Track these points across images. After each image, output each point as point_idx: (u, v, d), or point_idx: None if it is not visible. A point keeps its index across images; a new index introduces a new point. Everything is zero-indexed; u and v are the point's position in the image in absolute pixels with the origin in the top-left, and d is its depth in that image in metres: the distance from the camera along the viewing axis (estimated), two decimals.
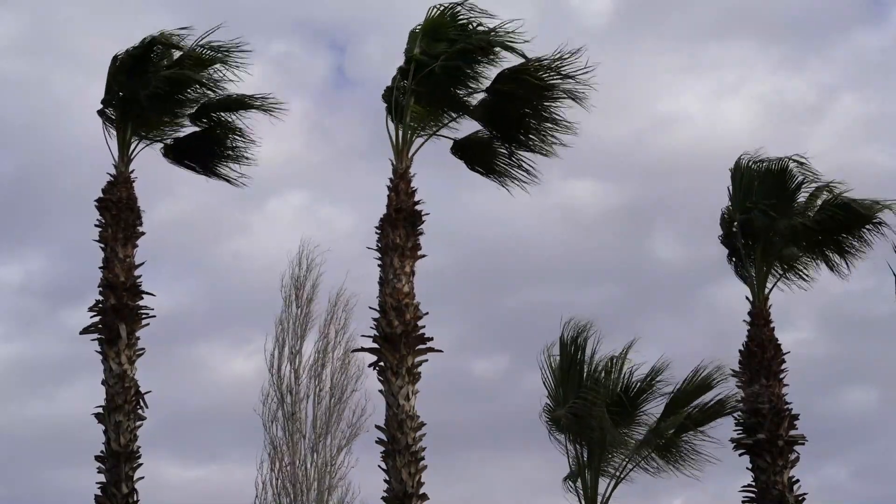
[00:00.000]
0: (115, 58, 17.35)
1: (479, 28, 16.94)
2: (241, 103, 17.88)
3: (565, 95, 16.98)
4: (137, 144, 17.70)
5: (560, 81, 16.87)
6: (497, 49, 16.87)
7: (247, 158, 18.45)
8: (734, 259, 18.49)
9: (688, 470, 17.61)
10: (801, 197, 18.41)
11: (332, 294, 28.69)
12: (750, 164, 18.33)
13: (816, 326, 34.75)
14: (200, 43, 17.28)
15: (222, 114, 18.15)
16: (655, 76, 42.68)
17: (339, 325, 28.60)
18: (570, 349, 17.32)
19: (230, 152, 18.43)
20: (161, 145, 18.30)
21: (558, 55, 16.55)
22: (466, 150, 18.08)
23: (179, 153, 18.47)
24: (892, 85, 43.48)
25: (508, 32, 16.70)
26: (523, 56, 16.73)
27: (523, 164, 17.95)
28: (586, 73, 16.55)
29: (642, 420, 17.64)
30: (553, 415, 16.99)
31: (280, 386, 28.00)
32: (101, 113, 17.56)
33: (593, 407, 16.63)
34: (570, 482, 17.33)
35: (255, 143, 18.23)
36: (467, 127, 17.85)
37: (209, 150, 18.48)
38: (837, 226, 18.14)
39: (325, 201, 43.41)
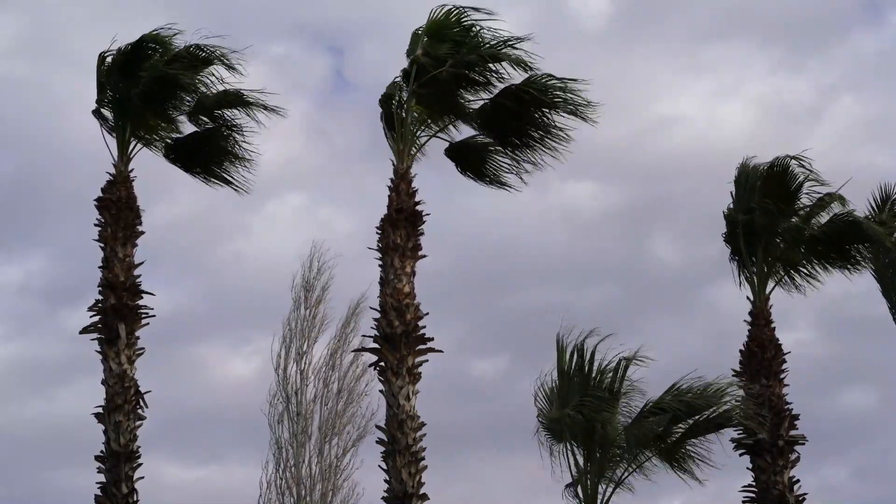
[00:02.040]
0: (101, 57, 17.21)
1: (484, 33, 16.88)
2: (239, 99, 17.63)
3: (569, 115, 17.05)
4: (136, 144, 17.61)
5: (564, 100, 16.92)
6: (503, 62, 16.91)
7: (247, 162, 18.24)
8: (736, 258, 18.47)
9: (689, 475, 17.55)
10: (803, 198, 18.39)
11: (352, 302, 28.88)
12: (754, 165, 18.31)
13: (816, 327, 34.75)
14: (195, 43, 17.11)
15: (219, 111, 17.88)
16: (654, 77, 42.69)
17: (349, 329, 28.91)
18: (567, 353, 17.23)
19: (230, 153, 18.20)
20: (161, 146, 18.18)
21: (564, 82, 16.71)
22: (460, 154, 18.07)
23: (180, 155, 18.29)
24: (890, 86, 43.54)
25: (517, 45, 16.70)
26: (531, 71, 16.77)
27: (514, 170, 17.99)
28: (592, 106, 16.80)
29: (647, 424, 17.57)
30: (550, 416, 16.89)
31: (286, 386, 28.09)
32: (96, 113, 17.48)
33: (599, 408, 16.54)
34: (572, 489, 17.26)
35: (255, 149, 18.11)
36: (467, 131, 17.89)
37: (209, 152, 18.29)
38: (843, 239, 18.24)
39: (325, 202, 43.45)
